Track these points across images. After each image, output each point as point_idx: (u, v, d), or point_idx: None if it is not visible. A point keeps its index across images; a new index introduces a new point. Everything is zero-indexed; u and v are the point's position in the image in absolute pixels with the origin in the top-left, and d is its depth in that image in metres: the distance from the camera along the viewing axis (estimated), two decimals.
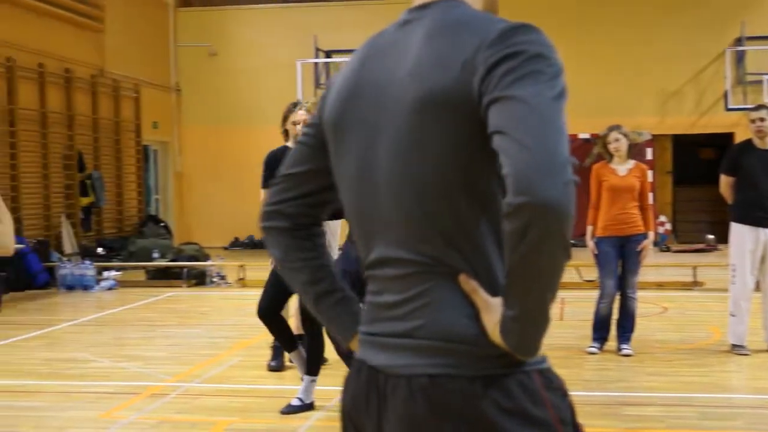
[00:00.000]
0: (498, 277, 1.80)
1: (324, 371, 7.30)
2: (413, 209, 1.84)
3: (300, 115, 6.39)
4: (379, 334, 1.91)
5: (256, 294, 7.16)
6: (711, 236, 19.02)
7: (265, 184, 7.34)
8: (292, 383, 7.31)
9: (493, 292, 1.78)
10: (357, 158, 1.96)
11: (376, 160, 1.90)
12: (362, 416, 1.94)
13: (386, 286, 1.92)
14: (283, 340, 6.76)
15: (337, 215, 6.07)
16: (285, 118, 7.78)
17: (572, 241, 1.71)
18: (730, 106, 19.66)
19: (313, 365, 6.57)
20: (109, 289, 14.46)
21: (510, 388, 1.77)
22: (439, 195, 1.81)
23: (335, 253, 6.48)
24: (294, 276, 2.14)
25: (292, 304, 8.16)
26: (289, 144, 7.78)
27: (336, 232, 6.56)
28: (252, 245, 20.43)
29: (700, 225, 20.58)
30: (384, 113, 1.89)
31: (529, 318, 1.72)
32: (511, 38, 1.74)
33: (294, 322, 8.15)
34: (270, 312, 6.64)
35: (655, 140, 20.25)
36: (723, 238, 12.69)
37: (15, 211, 14.81)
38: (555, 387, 1.84)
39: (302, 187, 2.12)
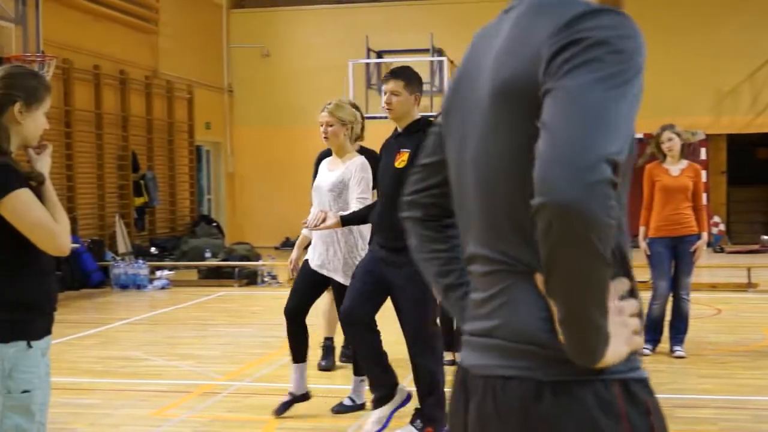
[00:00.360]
0: None
1: None
2: (491, 206, 1.81)
3: (322, 116, 6.37)
4: (470, 333, 1.89)
5: None
6: (766, 237, 18.77)
7: None
8: (342, 383, 7.33)
9: None
10: (454, 152, 1.95)
11: (466, 154, 1.88)
12: (454, 416, 1.93)
13: (477, 283, 1.90)
14: (295, 347, 6.50)
15: (365, 218, 5.96)
16: None
17: None
18: None
19: (360, 365, 6.57)
20: (162, 288, 14.60)
21: (582, 396, 1.68)
22: (514, 192, 1.75)
23: (362, 255, 6.40)
24: (425, 267, 2.13)
25: (322, 305, 8.16)
26: None
27: (364, 233, 6.46)
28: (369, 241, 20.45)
29: (755, 226, 20.32)
30: (474, 104, 1.85)
31: (572, 323, 1.63)
32: (579, 24, 1.66)
33: (323, 323, 8.14)
34: (295, 312, 6.46)
35: (710, 140, 20.03)
36: None
37: (70, 210, 15.01)
38: (638, 401, 1.71)
39: (433, 178, 2.09)
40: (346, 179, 6.24)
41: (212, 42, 21.93)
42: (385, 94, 5.78)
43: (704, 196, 8.57)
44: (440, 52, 21.34)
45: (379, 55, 21.67)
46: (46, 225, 3.32)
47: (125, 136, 17.82)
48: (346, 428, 6.14)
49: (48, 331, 3.48)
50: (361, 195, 6.17)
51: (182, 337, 10.12)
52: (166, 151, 19.59)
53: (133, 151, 17.95)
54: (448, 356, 8.14)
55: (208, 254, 16.47)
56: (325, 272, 6.34)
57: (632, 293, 1.75)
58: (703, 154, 19.47)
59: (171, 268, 15.72)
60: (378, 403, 5.87)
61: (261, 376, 7.84)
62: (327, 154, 7.06)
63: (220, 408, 6.67)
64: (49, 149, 3.60)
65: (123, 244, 16.93)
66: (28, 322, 3.38)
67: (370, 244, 6.09)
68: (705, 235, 8.26)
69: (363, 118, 8.45)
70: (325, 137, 6.37)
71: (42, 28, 14.28)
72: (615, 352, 1.66)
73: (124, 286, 14.61)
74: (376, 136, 7.56)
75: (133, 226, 17.90)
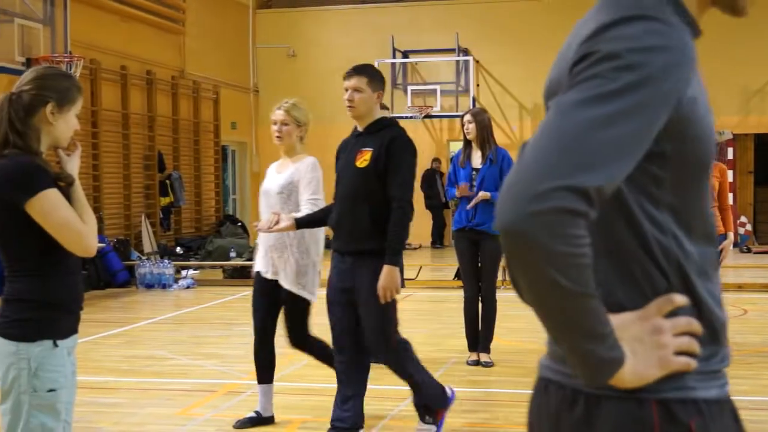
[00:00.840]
0: (609, 292, 1.64)
1: None
2: None
3: (277, 114, 6.17)
4: None
5: None
6: None
7: None
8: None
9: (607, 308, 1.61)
10: None
11: None
12: None
13: None
14: (259, 367, 6.35)
15: (322, 221, 5.72)
16: None
17: None
18: None
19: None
20: (187, 287, 14.66)
21: (613, 412, 1.63)
22: None
23: (318, 263, 6.18)
24: None
25: None
26: None
27: (318, 238, 6.21)
28: (326, 245, 20.49)
29: None
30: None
31: (556, 342, 1.61)
32: (602, 33, 1.57)
33: None
34: (263, 331, 6.30)
35: (737, 140, 19.90)
36: None
37: (96, 210, 15.10)
38: (679, 422, 1.62)
39: None
40: (296, 180, 6.01)
41: (238, 42, 22.00)
42: (347, 90, 5.57)
43: (730, 196, 8.51)
44: (466, 52, 21.33)
45: (405, 54, 21.69)
46: (74, 225, 3.35)
47: (151, 136, 17.92)
48: (371, 427, 6.14)
49: (74, 330, 3.51)
50: (312, 196, 5.93)
51: (207, 336, 10.16)
52: (191, 151, 19.67)
53: (159, 151, 18.05)
54: (472, 356, 8.15)
55: (233, 254, 16.53)
56: (278, 279, 6.10)
57: (697, 311, 1.67)
58: (730, 153, 19.36)
59: (196, 268, 15.79)
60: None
61: (284, 375, 7.85)
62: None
63: (245, 407, 6.69)
64: (78, 150, 3.63)
65: (148, 244, 17.01)
66: (55, 321, 3.41)
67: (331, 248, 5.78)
68: (731, 236, 8.21)
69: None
70: (278, 136, 6.15)
71: (70, 29, 14.36)
72: (636, 373, 1.60)
73: (149, 286, 14.69)
74: None
75: (159, 225, 17.99)
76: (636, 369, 1.59)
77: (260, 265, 6.23)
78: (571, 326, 1.54)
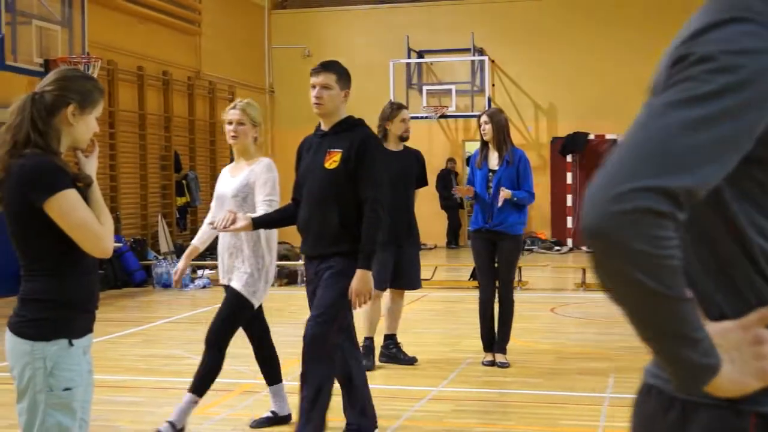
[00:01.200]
0: (710, 299, 1.62)
1: (413, 371, 7.33)
2: None
3: (232, 114, 5.98)
4: None
5: None
6: None
7: None
8: (382, 383, 7.35)
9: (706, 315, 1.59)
10: None
11: None
12: None
13: None
14: (265, 370, 6.33)
15: (287, 221, 5.56)
16: (386, 119, 7.79)
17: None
18: None
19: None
20: (203, 287, 14.70)
21: (709, 422, 1.59)
22: None
23: (272, 270, 6.01)
24: None
25: (383, 303, 8.16)
26: (388, 146, 7.73)
27: (273, 245, 5.99)
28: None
29: None
30: None
31: (645, 345, 1.57)
32: (701, 35, 1.54)
33: (386, 321, 8.16)
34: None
35: None
36: None
37: (113, 210, 15.18)
38: None
39: None
40: (252, 182, 5.84)
41: (254, 43, 22.06)
42: (314, 87, 5.43)
43: None
44: (481, 52, 21.33)
45: (420, 54, 21.70)
46: (91, 226, 3.37)
47: (168, 137, 17.99)
48: (386, 428, 6.15)
49: (89, 330, 3.53)
50: (268, 197, 5.76)
51: None
52: (207, 152, 19.74)
53: (175, 152, 18.11)
54: (487, 357, 8.14)
55: None
56: (231, 281, 5.94)
57: None
58: None
59: (212, 268, 15.80)
60: None
61: (299, 375, 7.86)
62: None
63: (261, 406, 6.71)
64: (96, 151, 3.66)
65: (165, 244, 17.07)
66: (71, 320, 3.43)
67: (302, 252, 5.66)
68: None
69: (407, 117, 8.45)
70: (233, 136, 5.96)
71: (87, 30, 14.43)
72: (734, 382, 1.55)
73: (166, 285, 14.73)
74: (418, 136, 7.56)
75: (175, 225, 18.06)
76: (733, 378, 1.54)
77: (220, 272, 6.09)
78: (661, 330, 1.52)
